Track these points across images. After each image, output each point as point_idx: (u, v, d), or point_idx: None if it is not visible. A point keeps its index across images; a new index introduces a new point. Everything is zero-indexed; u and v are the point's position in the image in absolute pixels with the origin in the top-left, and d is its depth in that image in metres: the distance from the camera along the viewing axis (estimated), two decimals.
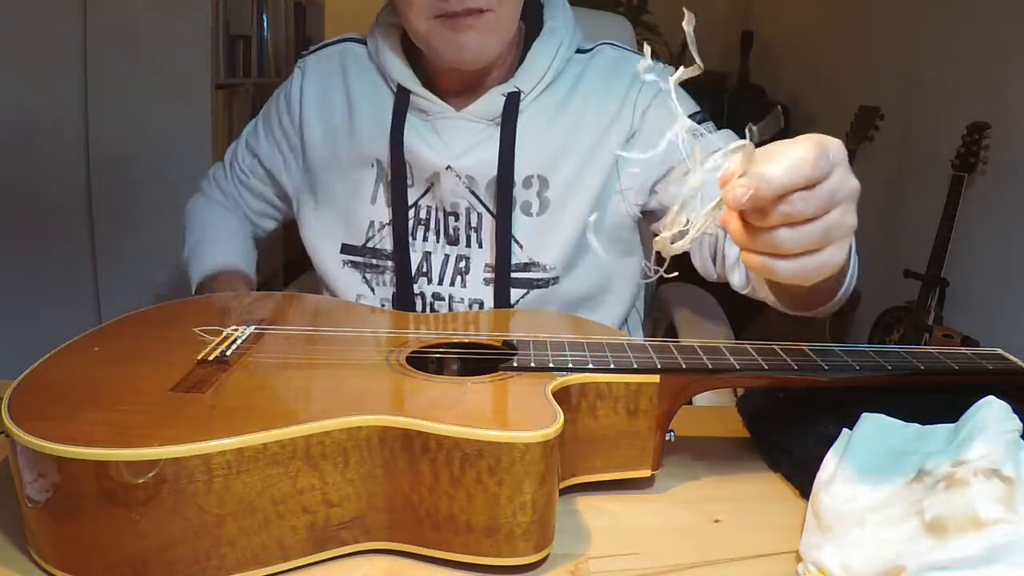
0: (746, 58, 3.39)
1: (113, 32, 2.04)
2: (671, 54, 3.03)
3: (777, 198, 0.45)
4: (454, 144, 0.88)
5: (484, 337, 0.70)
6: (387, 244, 0.91)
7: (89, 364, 0.60)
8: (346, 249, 0.93)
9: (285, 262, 2.56)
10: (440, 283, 0.90)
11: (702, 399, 0.90)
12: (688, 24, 0.47)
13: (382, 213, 0.91)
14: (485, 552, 0.52)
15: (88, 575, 0.49)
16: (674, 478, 0.65)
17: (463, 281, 0.90)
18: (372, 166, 0.91)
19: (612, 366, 0.60)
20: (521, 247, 0.88)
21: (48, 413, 0.51)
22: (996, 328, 1.94)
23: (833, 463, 0.58)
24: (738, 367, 0.63)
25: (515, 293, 0.89)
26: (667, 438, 0.63)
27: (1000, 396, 0.56)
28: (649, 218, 0.93)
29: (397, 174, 0.88)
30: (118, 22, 2.03)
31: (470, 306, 0.90)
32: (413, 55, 0.90)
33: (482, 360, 0.63)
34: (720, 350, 0.65)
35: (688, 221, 0.48)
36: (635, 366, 0.61)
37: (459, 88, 0.89)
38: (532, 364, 0.61)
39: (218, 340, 0.65)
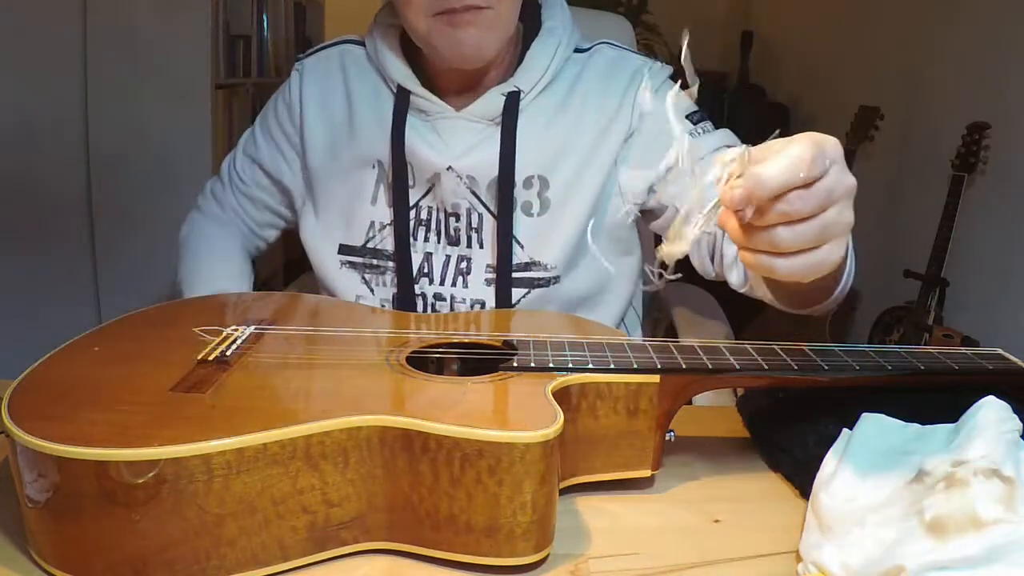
0: (746, 58, 3.39)
1: (113, 32, 2.04)
2: (671, 54, 3.03)
3: (775, 197, 0.45)
4: (454, 144, 0.88)
5: (484, 337, 0.70)
6: (387, 245, 0.91)
7: (89, 364, 0.60)
8: (344, 250, 0.93)
9: (285, 262, 2.57)
10: (441, 284, 0.90)
11: (702, 399, 0.89)
12: (686, 49, 0.50)
13: (383, 214, 0.91)
14: (485, 552, 0.52)
15: (88, 575, 0.49)
16: (674, 478, 0.65)
17: (464, 282, 0.90)
18: (373, 167, 0.91)
19: (612, 366, 0.60)
20: (522, 247, 0.88)
21: (48, 413, 0.51)
22: (996, 328, 1.94)
23: (833, 463, 0.58)
24: (738, 367, 0.63)
25: (516, 293, 0.89)
26: (667, 438, 0.63)
27: (1000, 396, 0.56)
28: (648, 217, 0.93)
29: (398, 175, 0.88)
30: (118, 22, 2.03)
31: (471, 306, 0.90)
32: (412, 55, 0.90)
33: (482, 360, 0.63)
34: (720, 350, 0.65)
35: (688, 218, 0.49)
36: (635, 366, 0.61)
37: (458, 88, 0.89)
38: (532, 364, 0.61)
39: (218, 340, 0.65)
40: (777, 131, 0.49)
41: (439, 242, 0.91)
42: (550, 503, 0.53)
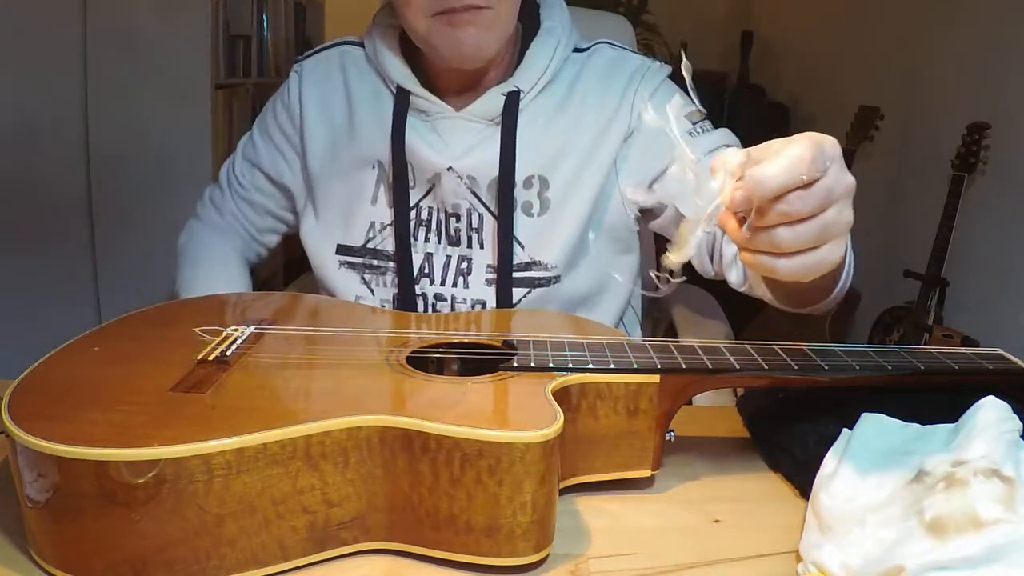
0: (746, 58, 3.39)
1: (113, 32, 2.04)
2: (671, 54, 3.03)
3: (775, 198, 0.46)
4: (455, 144, 0.88)
5: (484, 337, 0.70)
6: (388, 245, 0.90)
7: (89, 364, 0.60)
8: (342, 250, 0.92)
9: (285, 262, 2.56)
10: (442, 284, 0.90)
11: (702, 399, 0.90)
12: (687, 72, 0.52)
13: (383, 214, 0.91)
14: (485, 552, 0.52)
15: (88, 575, 0.49)
16: (674, 478, 0.65)
17: (465, 282, 0.90)
18: (373, 167, 0.91)
19: (612, 366, 0.60)
20: (523, 247, 0.88)
21: (48, 413, 0.51)
22: (996, 328, 1.94)
23: (833, 463, 0.58)
24: (738, 367, 0.63)
25: (517, 292, 0.89)
26: (667, 438, 0.63)
27: (1000, 396, 0.56)
28: (647, 216, 0.93)
29: (399, 175, 0.88)
30: (118, 22, 2.03)
31: (472, 307, 0.90)
32: (412, 56, 0.90)
33: (482, 360, 0.63)
34: (720, 350, 0.65)
35: (689, 224, 0.49)
36: (635, 366, 0.61)
37: (458, 88, 0.89)
38: (532, 364, 0.61)
39: (218, 340, 0.65)
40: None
41: (439, 242, 0.91)
42: (550, 503, 0.53)
